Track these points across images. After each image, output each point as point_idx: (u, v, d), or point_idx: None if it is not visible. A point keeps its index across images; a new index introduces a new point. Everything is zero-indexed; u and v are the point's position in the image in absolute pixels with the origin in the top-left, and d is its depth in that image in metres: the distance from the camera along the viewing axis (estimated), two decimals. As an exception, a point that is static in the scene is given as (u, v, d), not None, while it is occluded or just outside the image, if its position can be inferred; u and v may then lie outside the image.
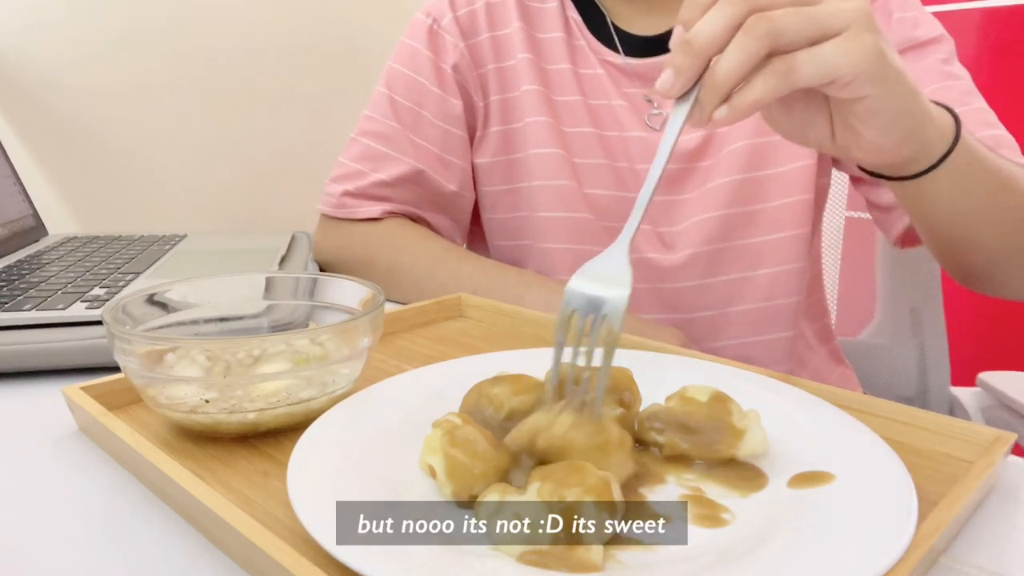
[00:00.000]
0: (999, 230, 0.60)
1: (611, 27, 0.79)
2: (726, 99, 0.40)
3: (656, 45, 0.78)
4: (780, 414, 0.42)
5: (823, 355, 0.87)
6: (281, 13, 1.25)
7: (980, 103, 0.70)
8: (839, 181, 1.11)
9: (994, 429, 0.40)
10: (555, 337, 0.39)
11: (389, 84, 0.83)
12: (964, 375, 1.02)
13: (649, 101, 0.78)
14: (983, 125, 0.68)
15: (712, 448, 0.38)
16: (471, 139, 0.84)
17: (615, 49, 0.79)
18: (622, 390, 0.41)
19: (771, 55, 0.39)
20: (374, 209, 0.81)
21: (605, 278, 0.39)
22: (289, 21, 1.26)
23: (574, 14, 0.80)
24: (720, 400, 0.39)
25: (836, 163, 0.80)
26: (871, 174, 0.53)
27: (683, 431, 0.39)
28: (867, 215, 0.82)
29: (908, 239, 0.75)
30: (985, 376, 0.95)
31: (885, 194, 0.74)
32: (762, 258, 0.76)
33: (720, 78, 0.39)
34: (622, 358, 0.47)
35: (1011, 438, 0.39)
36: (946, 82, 0.69)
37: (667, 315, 0.78)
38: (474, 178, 0.85)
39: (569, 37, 0.80)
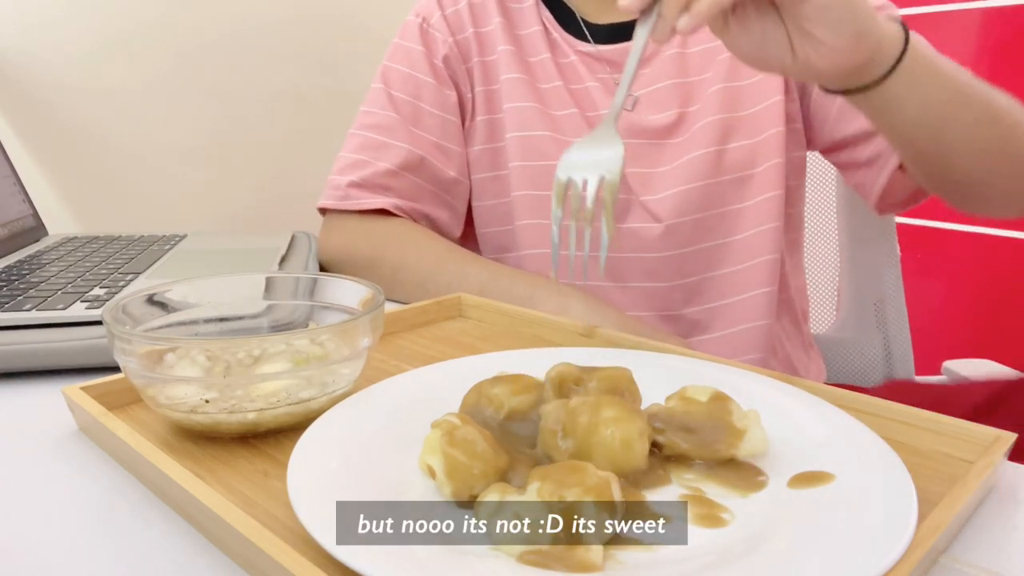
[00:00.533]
0: (967, 143, 0.63)
1: (580, 21, 0.84)
2: (686, 8, 0.45)
3: (621, 32, 0.83)
4: (780, 414, 0.42)
5: (797, 341, 0.89)
6: (282, 13, 1.25)
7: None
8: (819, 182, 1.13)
9: (994, 429, 0.40)
10: (552, 211, 0.42)
11: (385, 80, 0.86)
12: (928, 365, 1.06)
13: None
14: None
15: (712, 448, 0.38)
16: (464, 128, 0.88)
17: (585, 39, 0.84)
18: (622, 390, 0.41)
19: None
20: (379, 200, 0.82)
21: (597, 144, 0.44)
22: (290, 21, 1.26)
23: (546, 13, 0.85)
24: (720, 400, 0.39)
25: (809, 132, 0.83)
26: (837, 93, 0.57)
27: (683, 431, 0.39)
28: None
29: (885, 202, 0.79)
30: (950, 364, 0.99)
31: (862, 149, 0.78)
32: (740, 224, 0.80)
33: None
34: (622, 358, 0.47)
35: (1011, 438, 0.39)
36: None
37: (650, 283, 0.81)
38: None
39: (546, 31, 0.85)
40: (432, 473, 0.35)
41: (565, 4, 0.85)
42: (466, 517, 0.33)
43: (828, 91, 0.57)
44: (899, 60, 0.54)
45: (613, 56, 0.83)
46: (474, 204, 0.89)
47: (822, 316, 1.16)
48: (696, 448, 0.38)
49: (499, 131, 0.85)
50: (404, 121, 0.84)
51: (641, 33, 0.47)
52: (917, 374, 1.04)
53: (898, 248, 1.05)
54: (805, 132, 0.84)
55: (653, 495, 0.36)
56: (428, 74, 0.85)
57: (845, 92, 0.56)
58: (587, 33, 0.84)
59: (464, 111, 0.87)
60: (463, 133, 0.87)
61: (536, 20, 0.85)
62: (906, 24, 0.55)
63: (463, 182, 0.87)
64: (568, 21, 0.85)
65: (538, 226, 0.83)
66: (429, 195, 0.85)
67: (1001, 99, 0.64)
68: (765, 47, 0.50)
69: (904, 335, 1.04)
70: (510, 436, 0.40)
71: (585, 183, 0.44)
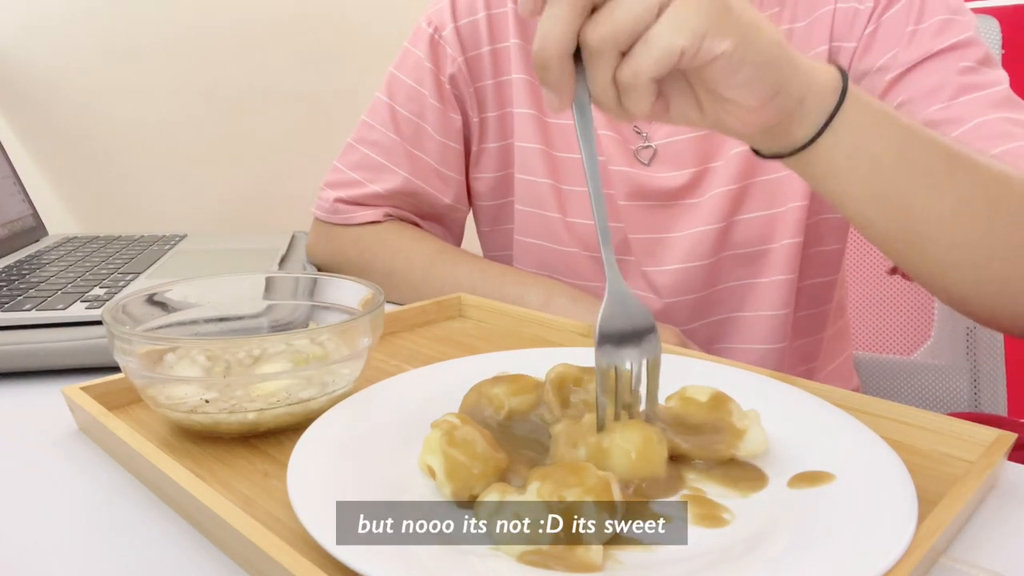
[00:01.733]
0: (948, 228, 0.49)
1: None
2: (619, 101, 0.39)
3: None
4: (780, 414, 0.41)
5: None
6: (282, 13, 1.25)
7: (1008, 113, 0.61)
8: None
9: (994, 429, 0.40)
10: (597, 398, 0.38)
11: (390, 92, 0.81)
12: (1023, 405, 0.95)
13: (639, 133, 0.75)
14: (1001, 138, 0.59)
15: (712, 448, 0.38)
16: (467, 153, 0.83)
17: None
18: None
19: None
20: (368, 214, 0.81)
21: (625, 312, 0.39)
22: (290, 21, 1.26)
23: None
24: (720, 400, 0.39)
25: None
26: (769, 159, 0.49)
27: (683, 431, 0.39)
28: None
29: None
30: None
31: None
32: (747, 302, 0.75)
33: (602, 102, 0.39)
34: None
35: (1011, 438, 0.39)
36: (962, 96, 0.62)
37: None
38: (469, 192, 0.85)
39: None
40: (432, 473, 0.35)
41: None
42: (466, 517, 0.33)
43: (760, 155, 0.49)
44: (833, 115, 0.44)
45: None
46: (479, 229, 0.87)
47: (917, 338, 1.05)
48: (696, 448, 0.38)
49: (508, 162, 0.81)
50: (404, 142, 0.80)
51: (586, 126, 0.40)
52: (1010, 415, 0.93)
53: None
54: None
55: (655, 495, 0.36)
56: (434, 95, 0.80)
57: (777, 156, 0.47)
58: None
59: (469, 136, 0.82)
60: (466, 158, 0.83)
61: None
62: (846, 73, 0.46)
63: (459, 208, 0.84)
64: None
65: (538, 247, 0.80)
66: (422, 214, 0.84)
67: (1005, 172, 0.50)
68: (672, 111, 0.43)
69: (997, 368, 0.92)
70: (510, 436, 0.40)
71: (629, 368, 0.39)
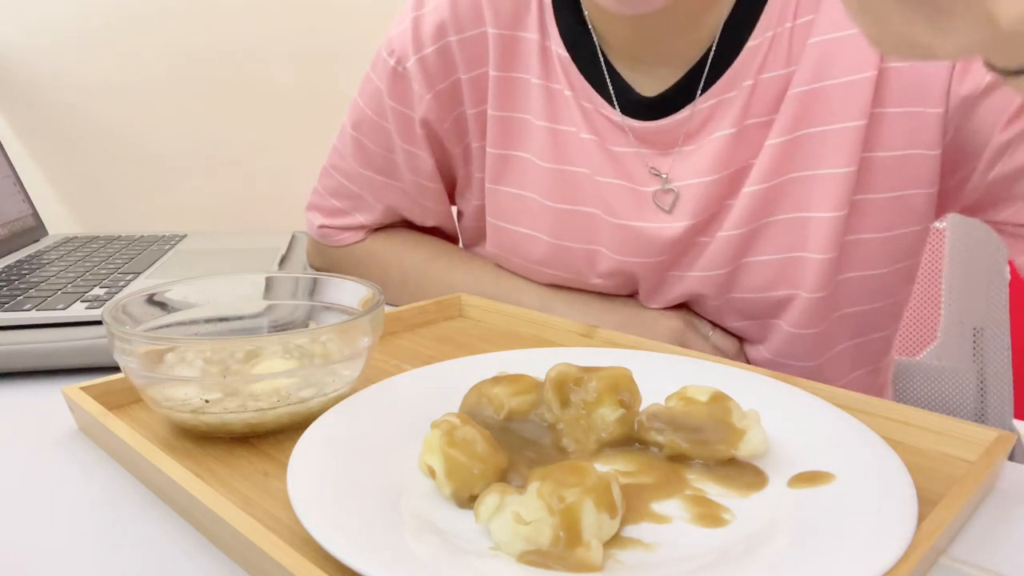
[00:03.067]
0: None
1: (604, 71, 0.63)
2: None
3: (661, 106, 0.62)
4: (780, 414, 0.41)
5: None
6: (282, 13, 1.25)
7: None
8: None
9: (994, 429, 0.40)
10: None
11: (356, 125, 0.75)
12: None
13: (657, 174, 0.63)
14: None
15: (712, 448, 0.38)
16: (451, 185, 0.77)
17: (609, 101, 0.63)
18: (622, 390, 0.41)
19: None
20: (355, 236, 0.81)
21: None
22: (290, 21, 1.26)
23: (560, 49, 0.64)
24: (720, 400, 0.39)
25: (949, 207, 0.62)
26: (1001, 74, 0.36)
27: (683, 431, 0.39)
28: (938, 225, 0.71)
29: None
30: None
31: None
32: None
33: None
34: (622, 358, 0.47)
35: (1012, 438, 0.39)
36: None
37: None
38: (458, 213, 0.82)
39: (548, 79, 0.65)
40: (432, 473, 0.35)
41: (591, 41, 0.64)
42: (466, 517, 0.33)
43: (992, 69, 0.36)
44: None
45: (650, 135, 0.63)
46: (462, 240, 0.83)
47: (923, 338, 1.01)
48: (696, 448, 0.38)
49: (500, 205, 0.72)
50: (377, 175, 0.76)
51: None
52: (1017, 417, 0.90)
53: (1007, 269, 0.87)
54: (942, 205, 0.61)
55: (655, 495, 0.36)
56: (400, 134, 0.72)
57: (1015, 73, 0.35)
58: (613, 95, 0.63)
59: (452, 167, 0.75)
60: (448, 190, 0.77)
61: (535, 66, 0.65)
62: None
63: (445, 229, 0.82)
64: (590, 65, 0.64)
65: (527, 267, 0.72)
66: (410, 227, 0.83)
67: None
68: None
69: (1004, 370, 0.89)
70: (510, 436, 0.40)
71: None
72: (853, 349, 0.67)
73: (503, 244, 0.71)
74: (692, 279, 0.65)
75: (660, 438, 0.39)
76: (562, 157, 0.66)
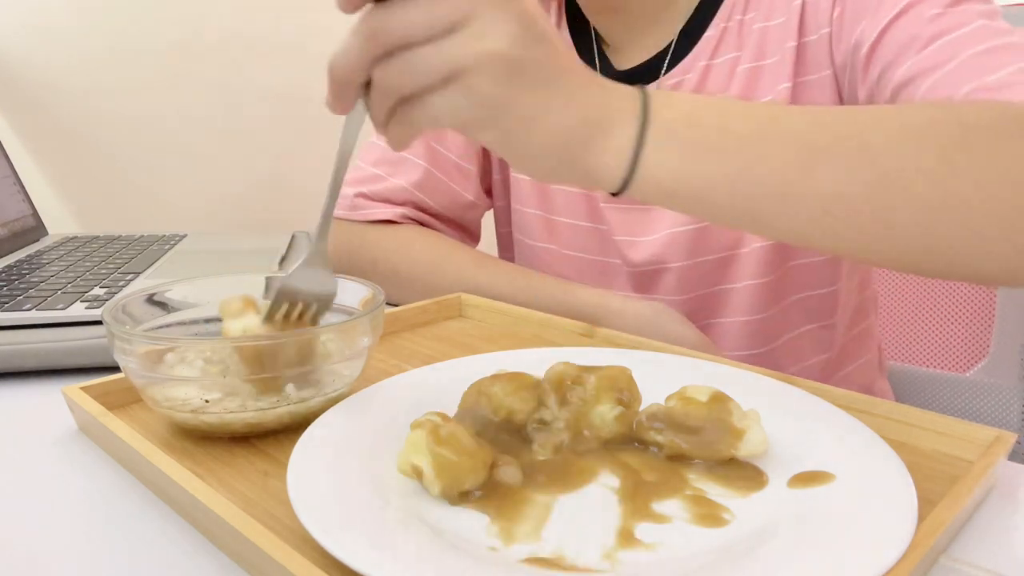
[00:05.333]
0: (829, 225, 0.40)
1: (595, 54, 0.75)
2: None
3: (628, 80, 0.66)
4: (780, 414, 0.41)
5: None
6: (282, 13, 1.25)
7: (982, 45, 0.54)
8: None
9: (994, 429, 0.40)
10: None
11: None
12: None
13: None
14: (971, 76, 0.53)
15: (712, 448, 0.38)
16: (487, 177, 0.85)
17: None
18: (621, 389, 0.41)
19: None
20: (387, 211, 0.80)
21: (311, 277, 0.45)
22: (290, 21, 1.26)
23: (566, 35, 0.77)
24: (720, 400, 0.39)
25: None
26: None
27: (683, 431, 0.39)
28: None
29: None
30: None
31: None
32: (727, 307, 0.74)
33: (375, 121, 0.41)
34: (622, 358, 0.47)
35: (1011, 438, 0.39)
36: (932, 45, 0.56)
37: None
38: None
39: None
40: (418, 473, 0.35)
41: (588, 28, 0.76)
42: (466, 516, 0.33)
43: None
44: (635, 159, 0.39)
45: None
46: (496, 227, 0.88)
47: (973, 354, 1.00)
48: (696, 448, 0.38)
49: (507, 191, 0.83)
50: (423, 135, 0.80)
51: (349, 132, 0.42)
52: None
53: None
54: None
55: (655, 495, 0.36)
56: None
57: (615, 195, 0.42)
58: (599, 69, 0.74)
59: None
60: (485, 154, 0.83)
61: None
62: (648, 106, 0.40)
63: (479, 205, 0.84)
64: (587, 47, 0.76)
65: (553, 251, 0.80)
66: (442, 215, 0.82)
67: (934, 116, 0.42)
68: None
69: None
70: (507, 434, 0.40)
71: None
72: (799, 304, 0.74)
73: (521, 229, 0.81)
74: (653, 241, 0.73)
75: (660, 438, 0.39)
76: None
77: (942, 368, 1.02)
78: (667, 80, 0.72)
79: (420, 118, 0.38)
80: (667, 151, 0.40)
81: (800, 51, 0.67)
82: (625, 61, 0.74)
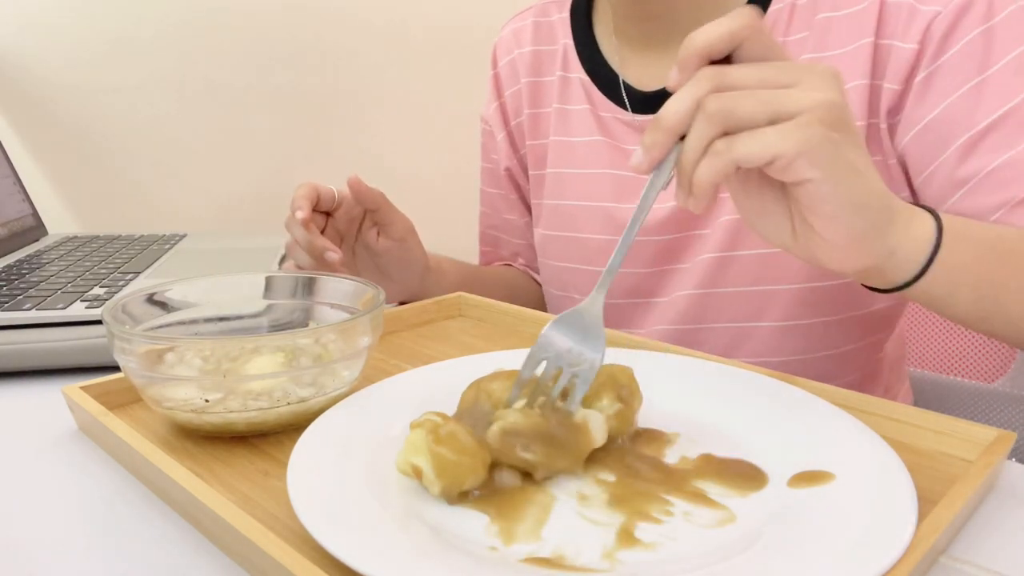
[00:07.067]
0: None
1: (621, 83, 0.73)
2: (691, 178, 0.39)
3: (659, 100, 0.66)
4: (780, 414, 0.42)
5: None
6: (282, 13, 1.25)
7: None
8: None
9: (994, 428, 0.40)
10: (520, 374, 0.41)
11: (482, 176, 0.91)
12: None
13: None
14: None
15: (577, 451, 0.37)
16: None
17: (623, 105, 0.72)
18: (621, 386, 0.41)
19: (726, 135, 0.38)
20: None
21: (580, 334, 0.42)
22: (290, 21, 1.26)
23: (581, 75, 0.76)
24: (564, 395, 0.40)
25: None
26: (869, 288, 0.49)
27: (543, 442, 0.37)
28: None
29: None
30: None
31: None
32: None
33: (683, 162, 0.39)
34: (623, 358, 0.47)
35: (1011, 438, 0.39)
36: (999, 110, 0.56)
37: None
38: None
39: (568, 102, 0.78)
40: (417, 473, 0.35)
41: (603, 57, 0.75)
42: (466, 516, 0.33)
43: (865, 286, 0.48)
44: (927, 265, 0.45)
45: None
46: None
47: (1000, 364, 0.99)
48: (551, 457, 0.37)
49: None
50: (500, 212, 0.89)
51: (647, 196, 0.40)
52: None
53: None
54: None
55: (653, 493, 0.36)
56: (500, 186, 0.88)
57: (877, 291, 0.48)
58: (625, 98, 0.72)
59: (527, 196, 0.88)
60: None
61: (581, 95, 0.76)
62: (940, 220, 0.45)
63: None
64: (606, 78, 0.74)
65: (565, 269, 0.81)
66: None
67: None
68: (764, 219, 0.43)
69: None
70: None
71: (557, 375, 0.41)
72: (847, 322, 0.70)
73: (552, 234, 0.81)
74: (684, 270, 0.70)
75: (528, 455, 0.37)
76: (577, 162, 0.76)
77: (968, 378, 1.01)
78: None
79: (743, 151, 0.38)
80: (960, 250, 0.46)
81: (871, 93, 0.61)
82: (649, 79, 0.71)
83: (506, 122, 0.85)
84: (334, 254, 0.64)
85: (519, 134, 0.85)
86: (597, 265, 0.75)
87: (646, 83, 0.71)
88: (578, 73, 0.76)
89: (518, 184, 0.88)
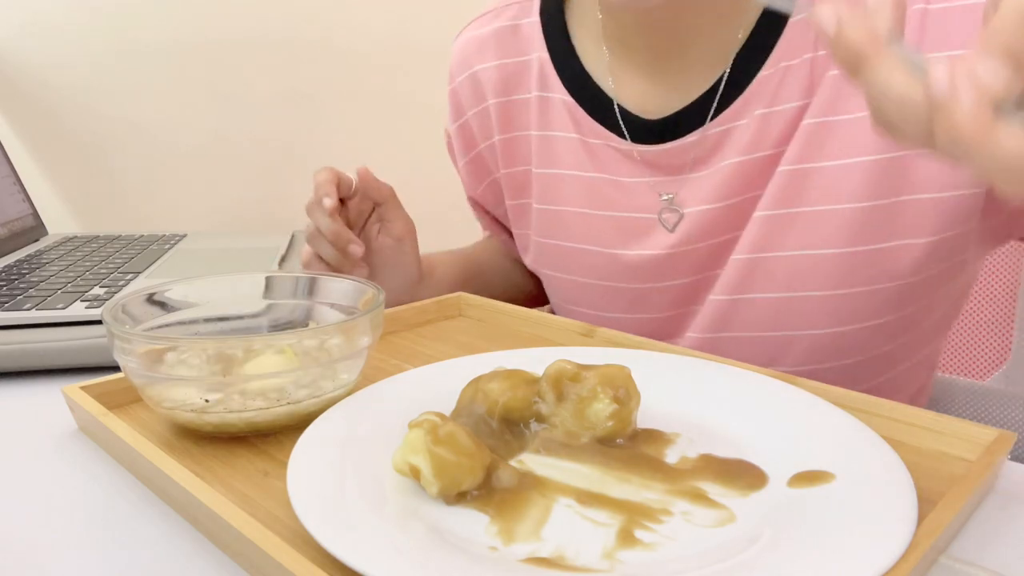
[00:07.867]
0: None
1: (615, 108, 0.63)
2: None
3: (665, 130, 0.61)
4: (780, 414, 0.41)
5: None
6: (282, 13, 1.25)
7: None
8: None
9: (994, 428, 0.40)
10: None
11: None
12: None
13: (666, 198, 0.63)
14: None
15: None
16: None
17: (617, 130, 0.64)
18: (618, 387, 0.41)
19: None
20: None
21: None
22: (290, 20, 1.26)
23: (564, 95, 0.66)
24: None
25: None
26: None
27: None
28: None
29: None
30: None
31: None
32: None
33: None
34: (622, 358, 0.47)
35: (1011, 438, 0.39)
36: None
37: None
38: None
39: (548, 128, 0.68)
40: (415, 473, 0.35)
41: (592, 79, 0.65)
42: (466, 516, 0.33)
43: None
44: None
45: (656, 158, 0.62)
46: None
47: (993, 362, 0.98)
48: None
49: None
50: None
51: None
52: None
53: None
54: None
55: (653, 493, 0.36)
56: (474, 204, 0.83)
57: None
58: (622, 123, 0.63)
59: (501, 220, 0.82)
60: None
61: (568, 123, 0.66)
62: None
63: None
64: (597, 102, 0.65)
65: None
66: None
67: None
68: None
69: None
70: (505, 430, 0.40)
71: None
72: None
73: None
74: (696, 312, 0.65)
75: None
76: (567, 199, 0.68)
77: (961, 375, 1.00)
78: (712, 128, 0.59)
79: None
80: None
81: None
82: (652, 107, 0.62)
83: (471, 146, 0.76)
84: (358, 247, 0.62)
85: (491, 158, 0.75)
86: (606, 280, 0.68)
87: (650, 109, 0.62)
88: (560, 93, 0.66)
89: (487, 211, 0.81)
